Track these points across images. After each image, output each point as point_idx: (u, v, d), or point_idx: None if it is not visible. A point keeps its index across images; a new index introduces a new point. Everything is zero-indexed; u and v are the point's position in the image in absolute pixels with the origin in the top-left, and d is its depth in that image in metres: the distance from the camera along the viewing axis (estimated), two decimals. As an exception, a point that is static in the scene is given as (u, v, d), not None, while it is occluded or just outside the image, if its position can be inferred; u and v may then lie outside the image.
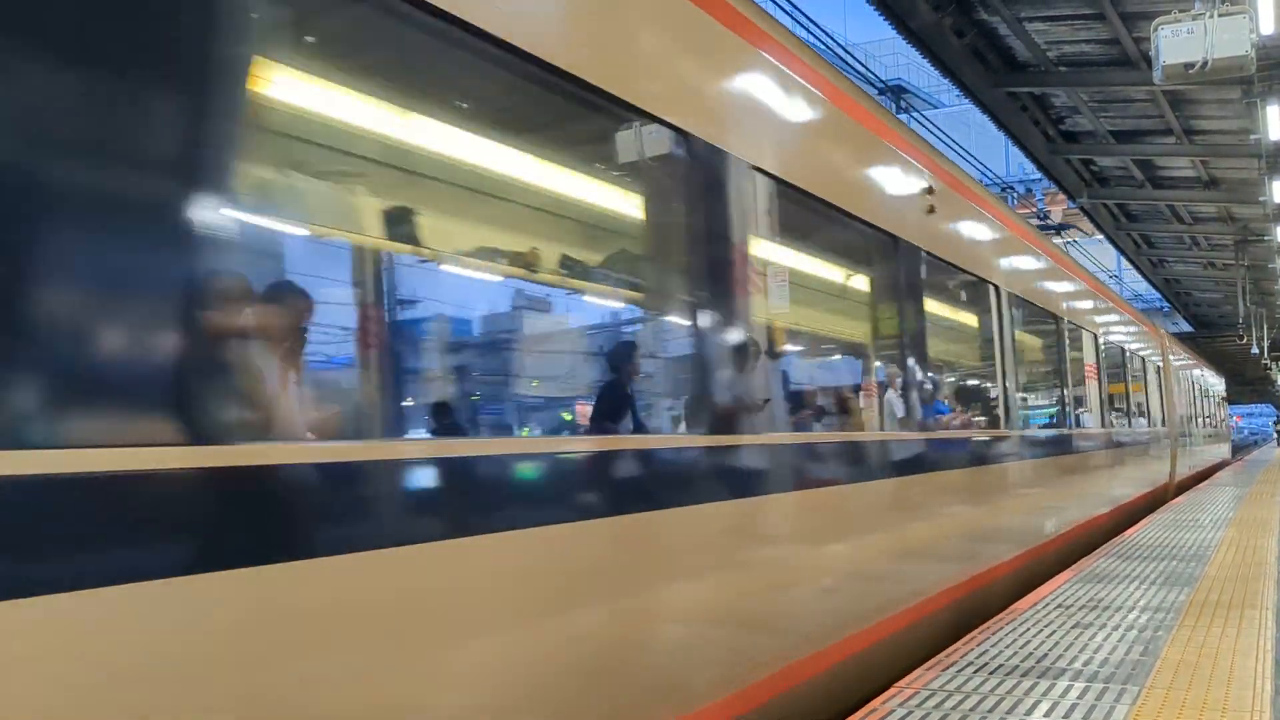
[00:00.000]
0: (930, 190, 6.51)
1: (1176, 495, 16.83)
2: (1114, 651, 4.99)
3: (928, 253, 6.36)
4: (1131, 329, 15.14)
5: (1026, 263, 9.27)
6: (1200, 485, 18.81)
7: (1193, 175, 18.07)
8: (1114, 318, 13.58)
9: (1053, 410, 10.37)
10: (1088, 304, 11.84)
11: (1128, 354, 14.31)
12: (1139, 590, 6.80)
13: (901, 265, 6.05)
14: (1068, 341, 10.39)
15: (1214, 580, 7.10)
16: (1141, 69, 12.35)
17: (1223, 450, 30.80)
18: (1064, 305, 10.39)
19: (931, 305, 6.90)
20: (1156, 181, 18.66)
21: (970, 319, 8.79)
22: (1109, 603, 6.37)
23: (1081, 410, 11.43)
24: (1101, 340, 12.23)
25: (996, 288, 8.00)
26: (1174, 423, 18.41)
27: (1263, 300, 28.37)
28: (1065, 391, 10.28)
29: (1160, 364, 17.50)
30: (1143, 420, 15.53)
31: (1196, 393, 24.34)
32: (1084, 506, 10.42)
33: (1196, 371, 25.18)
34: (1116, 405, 13.21)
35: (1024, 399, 8.85)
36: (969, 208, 7.63)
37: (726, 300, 4.05)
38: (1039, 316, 9.69)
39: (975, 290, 8.07)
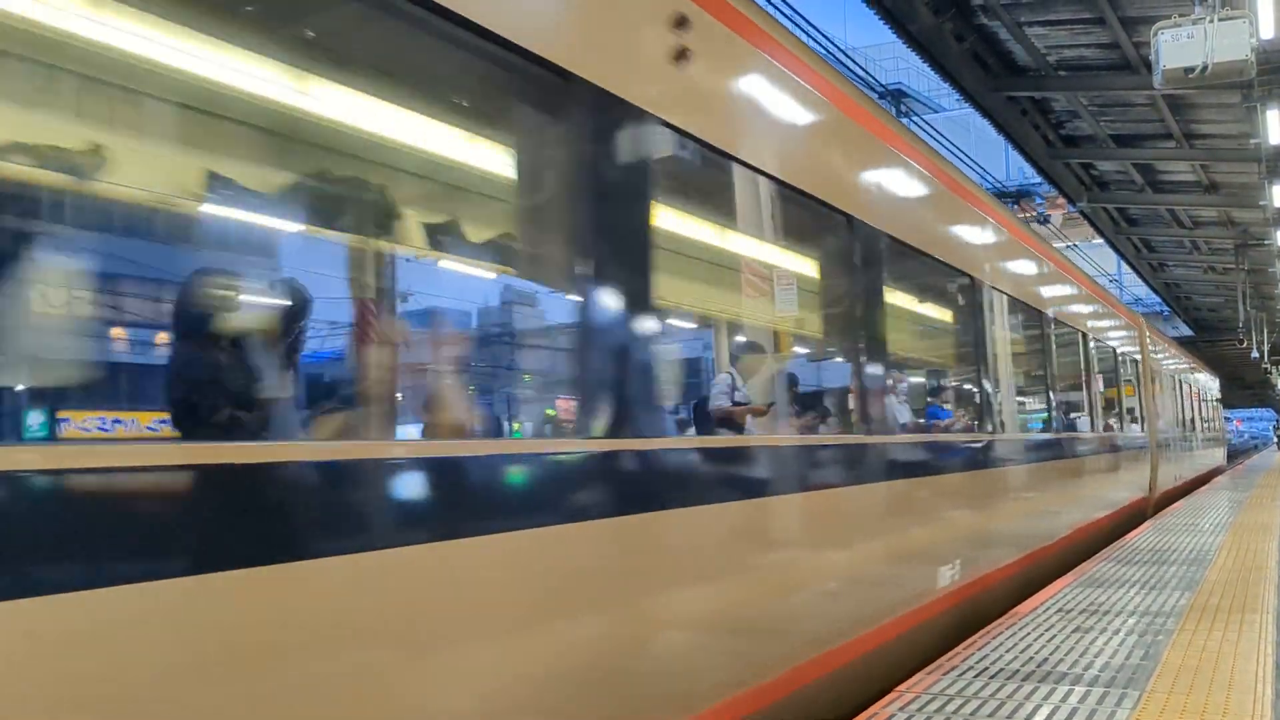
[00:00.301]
0: (683, 22, 3.86)
1: (1159, 509, 14.83)
2: (1114, 656, 4.99)
3: (670, 125, 3.76)
4: (1097, 312, 12.86)
5: (901, 183, 6.38)
6: (1199, 490, 18.65)
7: (1193, 179, 18.08)
8: (1070, 294, 11.24)
9: (973, 408, 8.00)
10: (1026, 268, 9.42)
11: (1090, 341, 11.97)
12: (1139, 594, 6.79)
13: (612, 134, 3.47)
14: (995, 317, 8.10)
15: (1214, 584, 7.09)
16: (1141, 73, 12.36)
17: (1216, 456, 28.60)
18: (980, 262, 7.80)
19: (695, 217, 4.88)
20: (1156, 186, 18.68)
21: (802, 259, 5.77)
22: (1109, 607, 6.36)
23: (1019, 409, 9.31)
24: (1052, 319, 10.03)
25: (849, 216, 5.31)
26: (1155, 426, 16.00)
27: (1263, 304, 28.36)
28: (988, 384, 7.81)
29: (1139, 358, 15.43)
30: (1114, 422, 13.28)
31: (1186, 392, 21.97)
32: (1011, 542, 7.89)
33: (1185, 369, 22.84)
34: (1074, 403, 11.22)
35: (916, 387, 6.86)
36: (768, 69, 4.67)
37: None
38: (943, 276, 7.33)
39: (810, 215, 5.19)
